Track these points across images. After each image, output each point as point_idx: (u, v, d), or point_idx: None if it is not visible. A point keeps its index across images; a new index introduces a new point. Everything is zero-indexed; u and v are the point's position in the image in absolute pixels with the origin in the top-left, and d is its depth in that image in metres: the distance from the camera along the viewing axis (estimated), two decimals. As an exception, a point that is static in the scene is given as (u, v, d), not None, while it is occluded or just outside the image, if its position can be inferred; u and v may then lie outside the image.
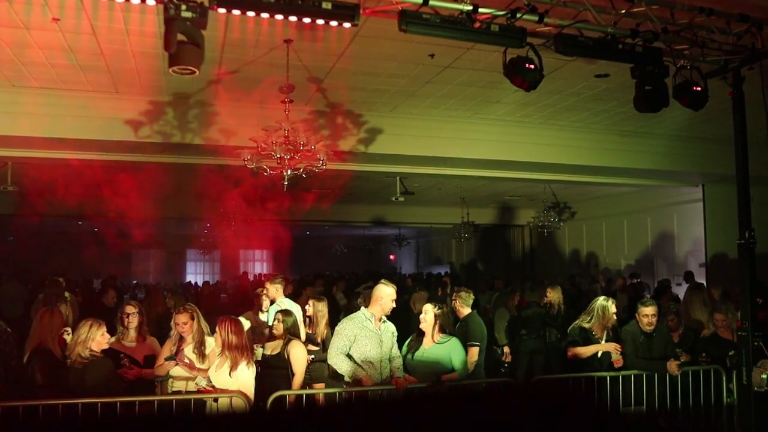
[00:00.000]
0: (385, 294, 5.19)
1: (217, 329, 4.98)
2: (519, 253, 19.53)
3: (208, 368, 5.06)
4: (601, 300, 5.97)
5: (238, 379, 4.86)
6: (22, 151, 8.63)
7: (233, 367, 4.86)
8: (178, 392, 5.17)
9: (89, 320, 4.98)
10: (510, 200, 16.69)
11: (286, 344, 5.48)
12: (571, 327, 6.01)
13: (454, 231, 17.95)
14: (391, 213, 17.26)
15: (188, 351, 5.29)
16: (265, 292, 6.98)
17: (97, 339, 4.86)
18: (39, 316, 5.16)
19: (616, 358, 5.70)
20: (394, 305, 5.26)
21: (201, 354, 5.28)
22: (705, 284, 9.10)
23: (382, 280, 5.41)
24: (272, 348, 5.58)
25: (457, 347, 5.37)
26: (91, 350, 4.82)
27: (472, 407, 1.43)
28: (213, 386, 4.83)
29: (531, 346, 8.42)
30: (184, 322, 5.31)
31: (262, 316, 6.97)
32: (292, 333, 5.60)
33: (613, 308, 5.86)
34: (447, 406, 1.47)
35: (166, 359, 5.26)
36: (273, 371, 5.45)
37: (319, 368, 5.77)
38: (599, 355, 5.79)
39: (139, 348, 5.57)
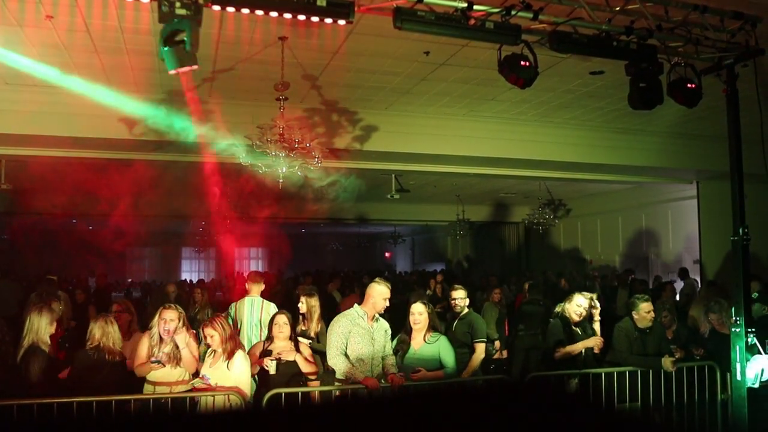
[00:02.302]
0: (377, 293, 5.11)
1: (209, 330, 4.92)
2: (514, 250, 19.58)
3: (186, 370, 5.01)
4: (574, 299, 5.94)
5: (235, 371, 4.85)
6: (16, 149, 8.60)
7: (229, 357, 4.86)
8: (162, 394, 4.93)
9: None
10: (505, 197, 16.72)
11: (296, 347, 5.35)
12: (552, 325, 6.00)
13: (450, 228, 17.96)
14: (387, 210, 17.25)
15: (166, 350, 4.92)
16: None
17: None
18: (31, 315, 5.14)
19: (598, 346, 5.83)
20: (387, 304, 5.23)
21: (177, 357, 4.92)
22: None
23: (376, 279, 5.36)
24: (285, 353, 5.25)
25: (447, 346, 5.34)
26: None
27: (467, 404, 1.43)
28: (209, 383, 4.82)
29: (527, 342, 8.43)
30: (171, 319, 4.91)
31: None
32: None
33: (581, 301, 5.91)
34: (443, 404, 1.48)
35: (153, 361, 4.86)
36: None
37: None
38: (584, 352, 5.83)
39: (127, 345, 5.42)
